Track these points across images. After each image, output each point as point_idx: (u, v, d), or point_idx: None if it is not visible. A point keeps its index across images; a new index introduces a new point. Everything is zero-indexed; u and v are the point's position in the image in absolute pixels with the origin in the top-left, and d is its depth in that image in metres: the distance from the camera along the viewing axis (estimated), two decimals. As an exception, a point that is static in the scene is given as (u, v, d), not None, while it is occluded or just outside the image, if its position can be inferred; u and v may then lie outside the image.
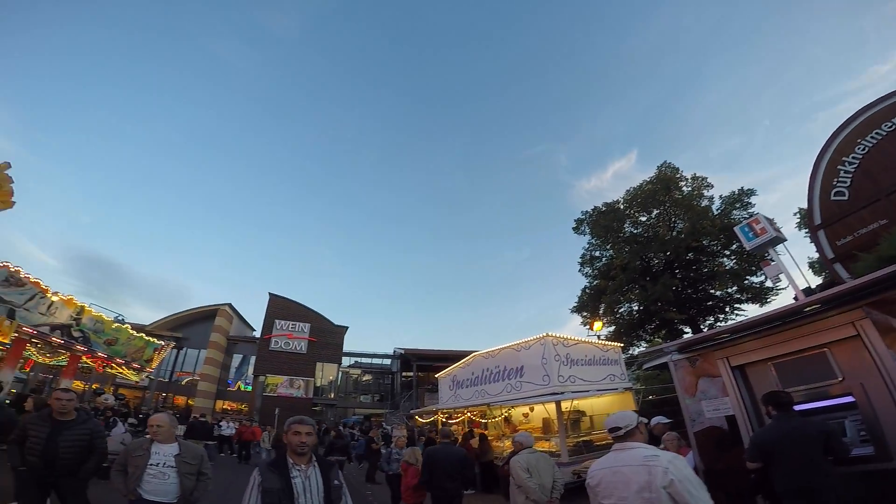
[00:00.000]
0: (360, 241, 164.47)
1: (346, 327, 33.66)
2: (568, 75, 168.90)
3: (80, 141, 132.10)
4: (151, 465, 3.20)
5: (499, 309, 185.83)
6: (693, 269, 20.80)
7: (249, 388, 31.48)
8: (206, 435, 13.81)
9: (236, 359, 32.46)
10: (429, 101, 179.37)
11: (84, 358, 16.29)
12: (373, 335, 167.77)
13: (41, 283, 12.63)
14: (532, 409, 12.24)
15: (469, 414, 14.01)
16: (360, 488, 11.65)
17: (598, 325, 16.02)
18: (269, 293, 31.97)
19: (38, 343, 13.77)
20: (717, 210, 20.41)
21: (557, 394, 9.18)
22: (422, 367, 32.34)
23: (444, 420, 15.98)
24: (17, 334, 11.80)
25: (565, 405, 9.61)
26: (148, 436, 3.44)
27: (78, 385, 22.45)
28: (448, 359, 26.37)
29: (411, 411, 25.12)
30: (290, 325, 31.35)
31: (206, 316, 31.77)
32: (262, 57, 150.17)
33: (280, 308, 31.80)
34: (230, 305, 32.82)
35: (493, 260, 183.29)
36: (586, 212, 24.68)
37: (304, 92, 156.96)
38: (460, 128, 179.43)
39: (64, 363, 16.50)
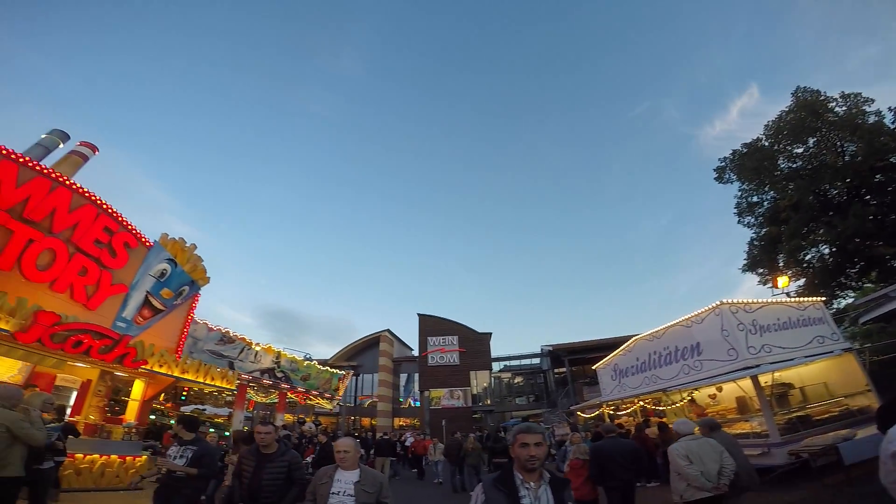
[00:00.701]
0: (484, 249, 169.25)
1: (490, 333, 34.78)
2: (647, 26, 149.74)
3: (237, 217, 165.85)
4: (333, 493, 3.10)
5: (651, 286, 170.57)
6: (889, 190, 16.64)
7: (418, 404, 34.62)
8: (391, 451, 14.51)
9: (403, 378, 36.14)
10: (517, 85, 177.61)
11: (289, 393, 20.19)
12: (517, 337, 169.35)
13: (246, 338, 16.31)
14: (720, 389, 11.01)
15: (641, 402, 13.19)
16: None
17: (782, 280, 13.60)
18: (418, 314, 35.08)
19: (254, 386, 17.52)
20: (892, 123, 16.90)
21: (751, 367, 8.15)
22: (574, 361, 31.36)
23: (610, 412, 15.25)
24: (238, 381, 15.29)
25: (764, 379, 8.45)
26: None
27: (288, 417, 27.76)
28: (602, 349, 25.04)
29: (571, 408, 24.34)
30: (441, 340, 33.80)
31: (371, 343, 36.32)
32: (340, 97, 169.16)
33: (430, 325, 34.57)
34: (389, 331, 36.92)
35: (630, 234, 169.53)
36: (725, 157, 21.71)
37: (393, 120, 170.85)
38: (554, 104, 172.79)
39: (275, 400, 20.63)
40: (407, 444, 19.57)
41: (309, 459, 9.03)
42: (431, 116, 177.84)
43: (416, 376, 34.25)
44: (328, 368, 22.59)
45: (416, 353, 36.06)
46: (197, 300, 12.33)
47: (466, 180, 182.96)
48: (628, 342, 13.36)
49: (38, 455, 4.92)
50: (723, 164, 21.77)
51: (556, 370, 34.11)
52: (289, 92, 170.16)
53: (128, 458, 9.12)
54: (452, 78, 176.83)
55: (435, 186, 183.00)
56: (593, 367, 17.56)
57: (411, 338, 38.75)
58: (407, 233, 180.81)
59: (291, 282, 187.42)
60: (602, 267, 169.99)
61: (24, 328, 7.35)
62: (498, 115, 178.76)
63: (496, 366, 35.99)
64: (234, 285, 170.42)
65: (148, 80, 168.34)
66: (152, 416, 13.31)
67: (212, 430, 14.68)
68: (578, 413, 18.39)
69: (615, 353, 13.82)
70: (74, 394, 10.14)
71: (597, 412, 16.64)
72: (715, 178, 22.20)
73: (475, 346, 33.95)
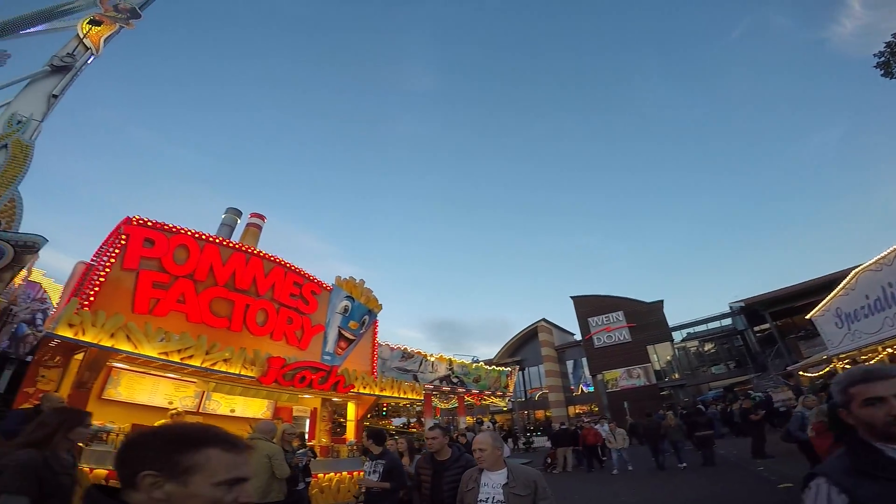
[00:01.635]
0: (628, 218, 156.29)
1: (661, 301, 30.83)
2: None
3: (382, 248, 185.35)
4: (481, 501, 2.63)
5: (847, 204, 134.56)
6: None
7: (591, 389, 32.60)
8: (572, 441, 13.51)
9: (569, 365, 34.57)
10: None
11: (466, 396, 20.85)
12: (694, 301, 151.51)
13: (421, 350, 17.30)
14: None
15: (889, 350, 9.83)
16: (748, 465, 9.62)
17: None
18: (572, 297, 33.28)
19: (436, 393, 18.51)
20: None
21: None
22: (777, 314, 25.91)
23: (845, 368, 11.88)
24: (424, 391, 16.11)
25: None
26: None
27: (469, 420, 28.99)
28: (810, 293, 20.49)
29: (787, 368, 19.98)
30: (604, 319, 31.28)
31: (529, 336, 35.73)
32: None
33: (587, 306, 32.41)
34: (545, 320, 35.84)
35: (796, 154, 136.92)
36: (882, 51, 15.23)
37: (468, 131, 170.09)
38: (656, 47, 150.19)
39: (455, 405, 21.58)
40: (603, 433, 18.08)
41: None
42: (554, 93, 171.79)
43: (584, 361, 32.30)
44: (494, 367, 22.78)
45: (578, 337, 34.15)
46: (377, 326, 13.47)
47: (590, 149, 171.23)
48: (847, 278, 10.32)
49: (294, 478, 5.47)
50: (883, 56, 15.31)
51: (755, 328, 28.55)
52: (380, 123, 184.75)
53: (354, 473, 10.21)
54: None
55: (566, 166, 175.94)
56: (807, 317, 14.89)
57: (569, 323, 36.93)
58: (544, 217, 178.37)
59: (444, 294, 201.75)
60: (778, 201, 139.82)
61: (263, 373, 8.77)
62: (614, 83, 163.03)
63: (677, 335, 31.72)
64: (400, 306, 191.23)
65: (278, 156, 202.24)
66: (365, 433, 14.96)
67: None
68: (800, 374, 15.28)
69: (832, 294, 10.91)
70: (308, 421, 11.93)
71: (826, 369, 13.56)
72: (882, 75, 15.76)
73: (646, 318, 30.45)
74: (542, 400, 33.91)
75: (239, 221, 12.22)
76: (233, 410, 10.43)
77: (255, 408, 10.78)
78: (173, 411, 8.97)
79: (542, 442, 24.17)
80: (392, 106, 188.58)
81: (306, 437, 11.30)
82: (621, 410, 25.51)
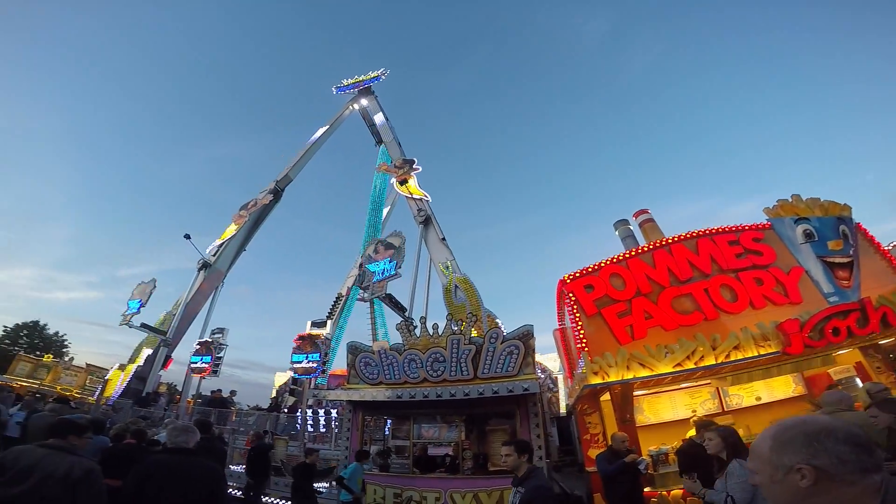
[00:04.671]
0: None
1: None
2: None
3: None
4: None
5: None
6: None
7: None
8: None
9: None
10: None
11: None
12: None
13: None
14: None
15: None
16: None
17: None
18: None
19: None
20: None
21: None
22: None
23: None
24: None
25: None
26: None
27: None
28: None
29: None
30: None
31: None
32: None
33: None
34: None
35: None
36: None
37: None
38: None
39: None
40: None
41: None
42: None
43: None
44: None
45: None
46: (866, 231, 9.58)
47: None
48: None
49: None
50: None
51: None
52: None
53: None
54: None
55: None
56: None
57: None
58: None
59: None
60: None
61: (785, 343, 7.30)
62: None
63: None
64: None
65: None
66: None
67: None
68: None
69: None
70: (858, 381, 9.26)
71: None
72: None
73: None
74: None
75: (631, 227, 12.32)
76: (759, 399, 9.20)
77: (780, 388, 9.19)
78: (694, 418, 8.59)
79: None
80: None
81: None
82: None
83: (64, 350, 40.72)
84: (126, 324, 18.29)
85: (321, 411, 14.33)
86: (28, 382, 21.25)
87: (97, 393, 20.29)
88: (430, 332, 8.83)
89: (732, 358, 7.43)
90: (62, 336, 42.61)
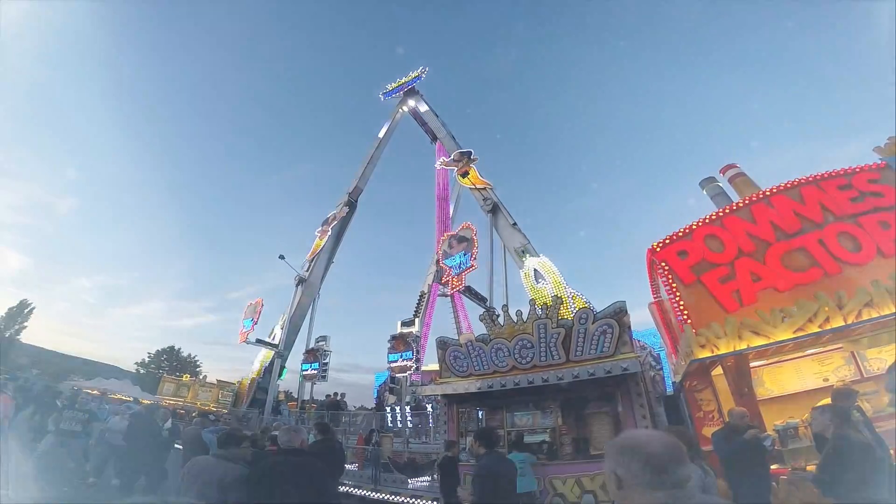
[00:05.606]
0: None
1: None
2: None
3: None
4: None
5: None
6: None
7: None
8: None
9: None
10: None
11: None
12: None
13: None
14: None
15: None
16: None
17: None
18: None
19: None
20: None
21: None
22: None
23: None
24: None
25: None
26: None
27: None
28: None
29: None
30: None
31: None
32: None
33: None
34: None
35: None
36: None
37: None
38: None
39: None
40: None
41: None
42: None
43: None
44: None
45: None
46: None
47: None
48: None
49: None
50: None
51: None
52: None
53: None
54: None
55: None
56: None
57: None
58: None
59: None
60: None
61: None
62: None
63: None
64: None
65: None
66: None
67: None
68: None
69: None
70: None
71: None
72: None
73: None
74: None
75: (720, 185, 11.18)
76: (909, 360, 7.85)
77: None
78: (830, 385, 7.58)
79: None
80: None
81: None
82: None
83: (198, 369, 47.42)
84: (244, 342, 20.81)
85: (407, 408, 15.05)
86: (174, 400, 24.99)
87: (230, 405, 23.34)
88: (515, 319, 8.87)
89: (865, 317, 6.44)
90: (194, 357, 49.60)
